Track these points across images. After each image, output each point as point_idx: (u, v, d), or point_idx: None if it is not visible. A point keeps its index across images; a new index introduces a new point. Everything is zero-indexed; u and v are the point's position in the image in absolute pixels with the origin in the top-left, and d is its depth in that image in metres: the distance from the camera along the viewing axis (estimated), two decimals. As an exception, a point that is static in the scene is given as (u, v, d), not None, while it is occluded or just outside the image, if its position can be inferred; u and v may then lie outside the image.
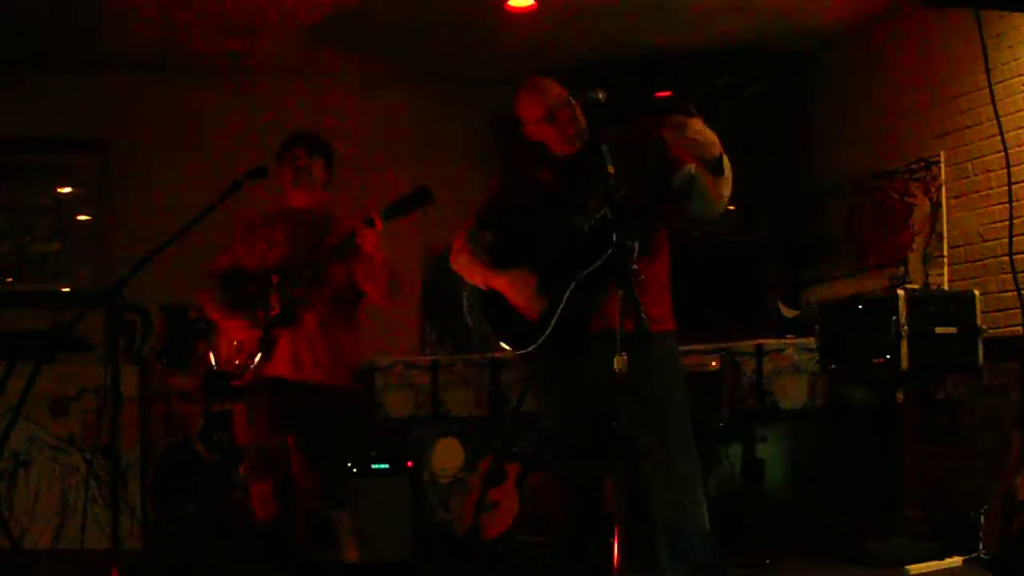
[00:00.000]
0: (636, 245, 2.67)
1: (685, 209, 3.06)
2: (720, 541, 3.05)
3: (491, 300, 3.21)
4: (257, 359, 3.72)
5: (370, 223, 3.54)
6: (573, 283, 2.96)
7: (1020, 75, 4.82)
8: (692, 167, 2.92)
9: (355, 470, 5.28)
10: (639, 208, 2.97)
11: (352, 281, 3.83)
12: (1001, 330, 4.82)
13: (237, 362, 3.76)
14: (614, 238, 2.72)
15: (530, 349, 3.05)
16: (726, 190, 2.96)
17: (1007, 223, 4.20)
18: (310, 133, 4.02)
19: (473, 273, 3.26)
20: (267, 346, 3.72)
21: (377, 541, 5.15)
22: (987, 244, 5.03)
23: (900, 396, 5.00)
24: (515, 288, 3.11)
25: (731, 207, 3.24)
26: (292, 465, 3.79)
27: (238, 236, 4.01)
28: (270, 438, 3.81)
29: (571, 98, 3.13)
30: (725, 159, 2.90)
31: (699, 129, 2.78)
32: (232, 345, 3.80)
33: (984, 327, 4.73)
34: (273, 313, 3.70)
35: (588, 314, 3.01)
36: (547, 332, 2.99)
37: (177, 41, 5.86)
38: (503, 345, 3.18)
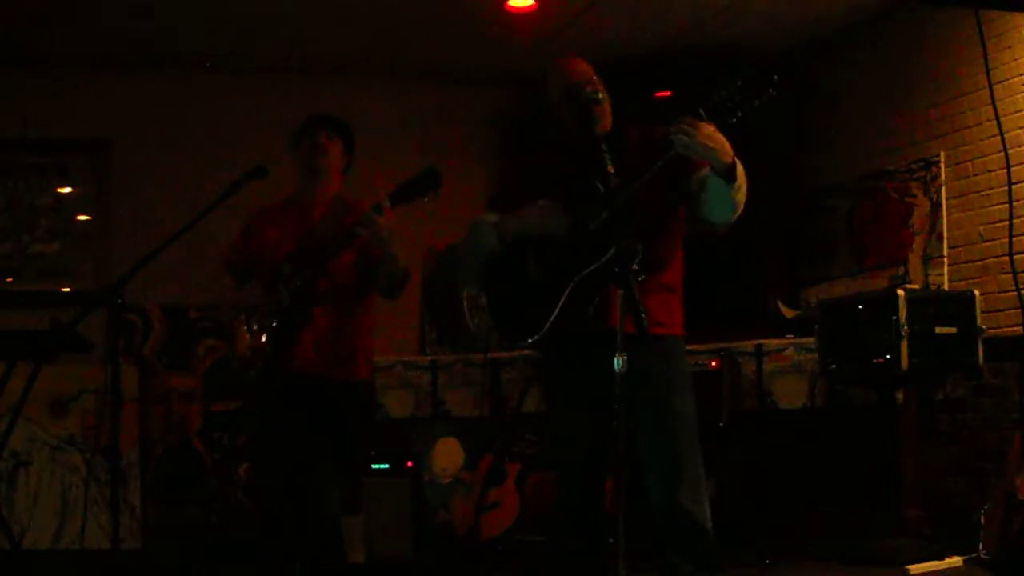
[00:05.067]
0: (640, 247, 2.64)
1: (700, 214, 3.06)
2: (720, 541, 3.05)
3: (495, 291, 3.21)
4: (264, 348, 3.61)
5: (378, 209, 3.43)
6: (572, 283, 2.96)
7: (1020, 75, 4.82)
8: (706, 171, 2.91)
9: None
10: (651, 209, 2.97)
11: (360, 271, 3.69)
12: (1001, 330, 4.82)
13: (248, 354, 3.65)
14: (615, 239, 2.71)
15: (530, 342, 3.05)
16: (740, 196, 2.93)
17: (1007, 223, 4.20)
18: (330, 114, 3.83)
19: (489, 233, 3.19)
20: (277, 338, 3.59)
21: (377, 541, 5.16)
22: (987, 244, 5.03)
23: (900, 396, 5.00)
24: (540, 213, 3.05)
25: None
26: (306, 463, 3.65)
27: (252, 222, 3.86)
28: (285, 433, 3.68)
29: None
30: (739, 166, 2.88)
31: (709, 134, 2.77)
32: (245, 337, 3.67)
33: (984, 327, 4.73)
34: (284, 305, 3.57)
35: (589, 314, 3.00)
36: (546, 327, 2.99)
37: (177, 41, 5.87)
38: (504, 338, 3.16)
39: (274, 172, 3.73)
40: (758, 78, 2.76)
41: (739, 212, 2.98)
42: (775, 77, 2.75)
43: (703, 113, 2.78)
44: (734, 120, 2.78)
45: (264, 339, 3.62)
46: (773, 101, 2.76)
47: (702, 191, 2.97)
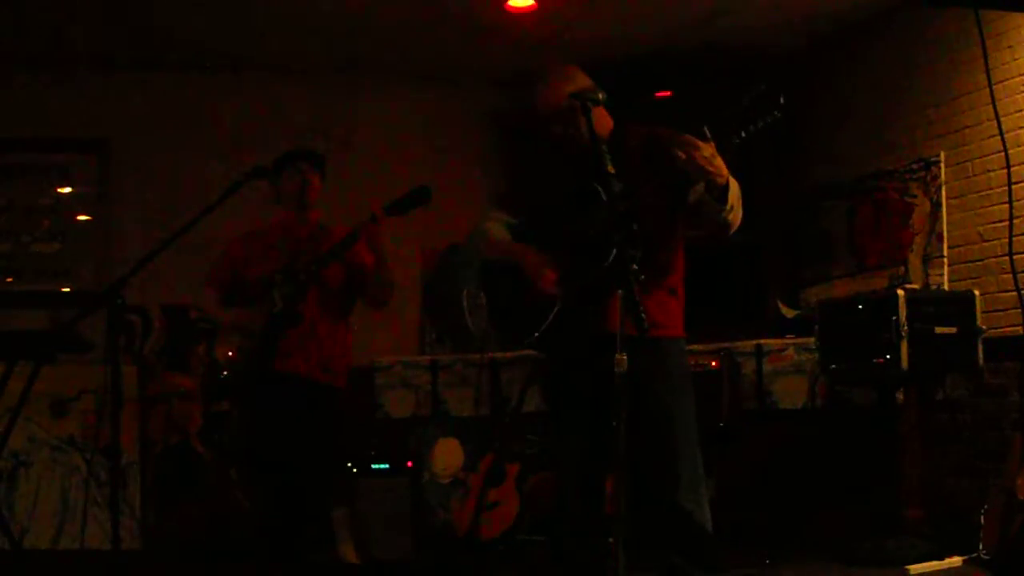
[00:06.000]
0: (639, 253, 2.64)
1: (697, 227, 3.07)
2: (720, 541, 3.06)
3: (496, 293, 3.22)
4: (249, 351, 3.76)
5: (374, 219, 3.63)
6: (571, 286, 2.96)
7: (1020, 75, 4.82)
8: (701, 188, 2.92)
9: (355, 470, 5.29)
10: (652, 215, 2.97)
11: (348, 282, 3.89)
12: (1001, 330, 4.82)
13: (236, 357, 3.81)
14: (615, 241, 2.71)
15: (526, 343, 3.05)
16: (732, 216, 2.94)
17: (1007, 223, 4.21)
18: (309, 149, 4.10)
19: (496, 245, 3.23)
20: (268, 342, 3.76)
21: (377, 541, 5.15)
22: (987, 244, 5.03)
23: (900, 396, 5.00)
24: (535, 262, 3.07)
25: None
26: (291, 462, 3.83)
27: (235, 247, 4.06)
28: (269, 433, 3.84)
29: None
30: (733, 188, 2.88)
31: (708, 156, 2.76)
32: (231, 345, 3.83)
33: (984, 327, 4.73)
34: (275, 310, 3.75)
35: (590, 317, 3.00)
36: (543, 328, 2.99)
37: (177, 41, 5.87)
38: (504, 338, 3.18)
39: (270, 184, 3.85)
40: (764, 99, 2.76)
41: (734, 229, 2.99)
42: (781, 99, 2.75)
43: (707, 131, 2.78)
44: (737, 140, 2.79)
45: (250, 342, 3.81)
46: (780, 120, 2.77)
47: (699, 205, 2.97)
